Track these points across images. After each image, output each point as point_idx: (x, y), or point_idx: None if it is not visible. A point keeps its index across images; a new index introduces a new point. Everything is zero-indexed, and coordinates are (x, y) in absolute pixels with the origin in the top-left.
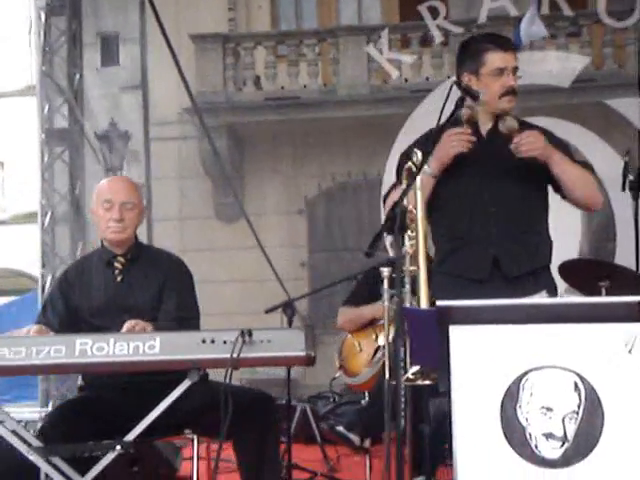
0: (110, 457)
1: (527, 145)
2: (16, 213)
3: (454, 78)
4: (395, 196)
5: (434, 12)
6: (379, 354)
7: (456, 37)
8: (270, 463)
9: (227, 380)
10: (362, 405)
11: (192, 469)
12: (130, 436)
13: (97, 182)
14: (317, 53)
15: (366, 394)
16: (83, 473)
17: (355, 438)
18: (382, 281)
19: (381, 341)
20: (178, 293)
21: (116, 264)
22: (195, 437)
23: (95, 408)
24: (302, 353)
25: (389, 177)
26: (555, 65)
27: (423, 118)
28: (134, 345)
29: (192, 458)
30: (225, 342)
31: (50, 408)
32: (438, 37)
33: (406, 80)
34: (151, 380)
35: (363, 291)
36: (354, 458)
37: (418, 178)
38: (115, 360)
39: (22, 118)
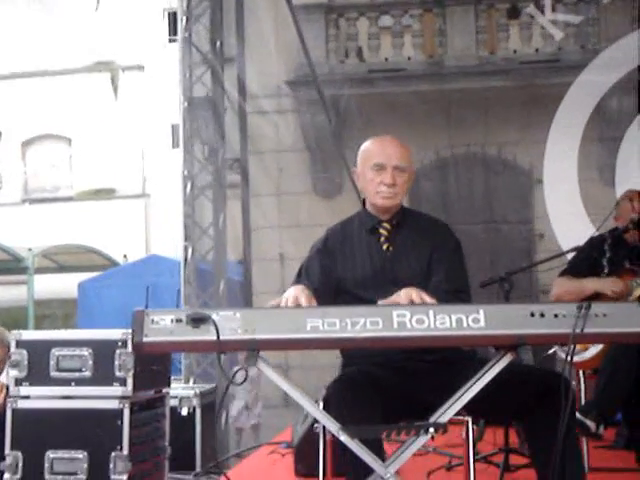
0: (422, 441)
1: None
2: (83, 190)
3: None
4: None
5: None
6: None
7: None
8: (570, 449)
9: (569, 360)
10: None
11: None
12: (444, 417)
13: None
14: (422, 24)
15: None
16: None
17: (592, 424)
18: (605, 252)
19: None
20: (447, 262)
21: (381, 230)
22: (470, 419)
23: (372, 384)
24: None
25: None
26: None
27: (585, 89)
28: (456, 318)
29: (467, 441)
30: (556, 316)
31: (192, 383)
32: None
33: (583, 46)
34: (419, 359)
35: (584, 261)
36: None
37: None
38: (437, 334)
39: (89, 95)
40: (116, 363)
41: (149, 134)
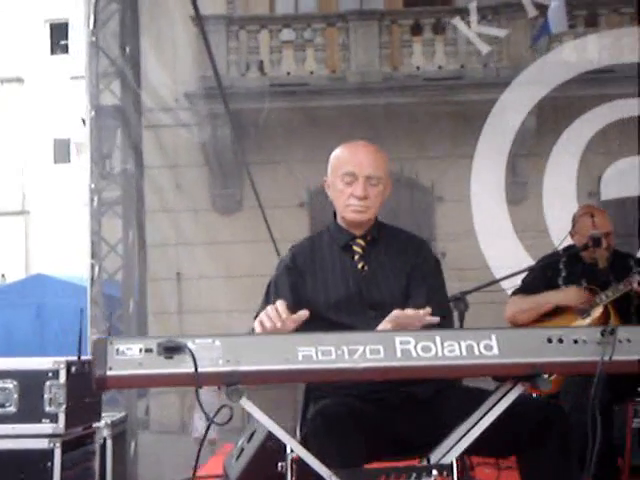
0: None
1: None
2: None
3: None
4: None
5: None
6: None
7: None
8: None
9: (594, 389)
10: None
11: None
12: (448, 457)
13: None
14: (325, 38)
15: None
16: None
17: None
18: (560, 271)
19: None
20: (427, 284)
21: (355, 247)
22: None
23: (356, 420)
24: None
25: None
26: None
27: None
28: (466, 345)
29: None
30: (576, 341)
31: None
32: (532, 11)
33: (485, 65)
34: (401, 390)
35: (539, 280)
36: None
37: None
38: (446, 363)
39: None
40: (45, 397)
41: (29, 149)
